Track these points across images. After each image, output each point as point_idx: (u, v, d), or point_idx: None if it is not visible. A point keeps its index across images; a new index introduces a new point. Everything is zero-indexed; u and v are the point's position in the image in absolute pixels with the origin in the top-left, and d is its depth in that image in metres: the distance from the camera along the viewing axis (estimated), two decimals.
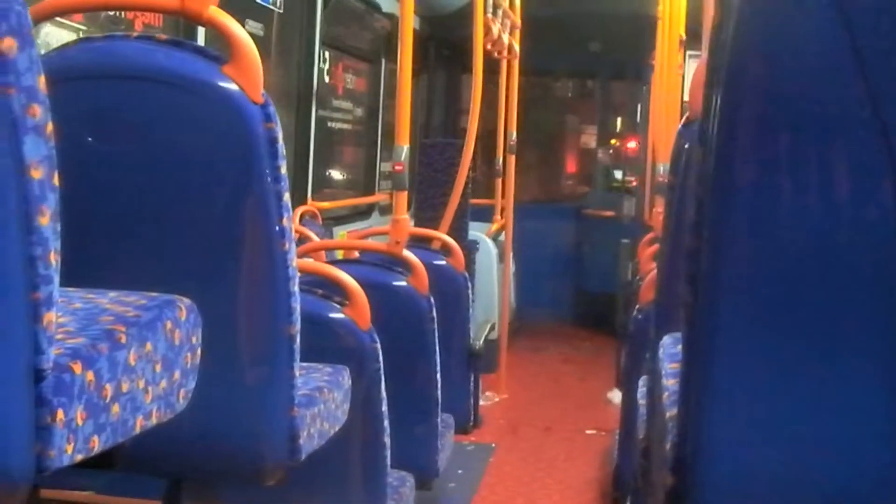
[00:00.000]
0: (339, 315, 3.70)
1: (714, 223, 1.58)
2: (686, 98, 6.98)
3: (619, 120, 13.89)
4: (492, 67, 8.65)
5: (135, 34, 2.77)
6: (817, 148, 1.55)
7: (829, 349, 1.56)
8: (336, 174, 9.39)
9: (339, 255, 5.90)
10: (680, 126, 2.55)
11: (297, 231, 5.46)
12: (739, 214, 1.57)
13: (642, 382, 2.88)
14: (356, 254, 5.50)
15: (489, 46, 7.97)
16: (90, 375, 1.70)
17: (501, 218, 9.55)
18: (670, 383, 1.94)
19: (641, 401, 2.78)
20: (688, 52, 8.05)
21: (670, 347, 2.16)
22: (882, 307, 1.53)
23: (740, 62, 1.55)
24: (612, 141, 13.70)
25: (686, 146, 2.47)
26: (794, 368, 1.57)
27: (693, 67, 7.80)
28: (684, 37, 7.29)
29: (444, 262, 5.83)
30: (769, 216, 1.56)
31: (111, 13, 4.95)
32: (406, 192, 5.07)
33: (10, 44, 1.47)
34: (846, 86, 1.51)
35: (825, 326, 1.56)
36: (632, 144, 12.73)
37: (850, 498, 1.58)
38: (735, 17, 1.55)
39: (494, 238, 9.52)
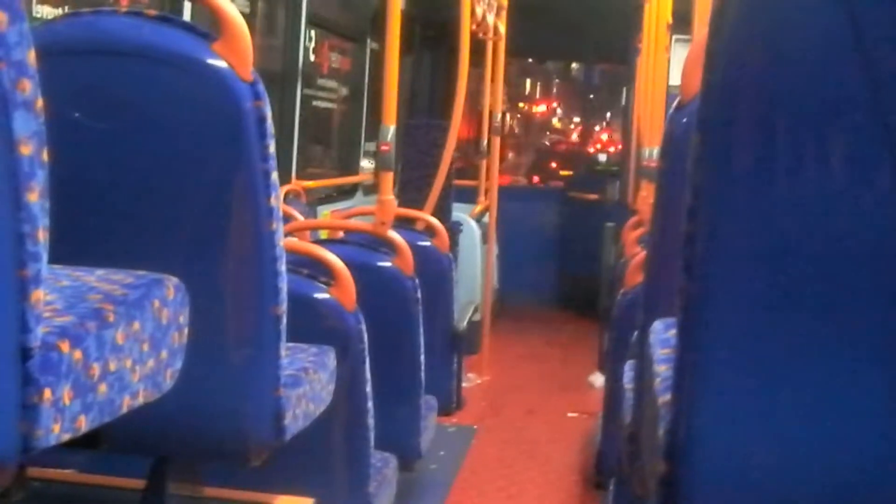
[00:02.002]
0: (325, 295, 3.69)
1: (711, 209, 1.57)
2: (672, 82, 6.98)
3: (527, 82, 13.73)
4: (477, 49, 8.62)
5: (123, 9, 2.74)
6: (816, 133, 1.54)
7: (827, 337, 1.55)
8: (320, 153, 9.36)
9: (323, 234, 5.88)
10: (672, 111, 2.53)
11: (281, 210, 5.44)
12: (737, 200, 1.56)
13: (629, 367, 2.86)
14: (341, 233, 5.49)
15: (474, 27, 7.94)
16: (78, 354, 1.68)
17: (485, 199, 9.54)
18: (662, 369, 1.93)
19: (628, 385, 2.77)
20: (674, 36, 8.04)
21: (661, 333, 2.15)
22: (881, 295, 1.53)
23: (740, 47, 1.54)
24: (521, 105, 13.46)
25: (677, 131, 2.45)
26: (792, 356, 1.56)
27: (680, 51, 7.82)
28: (671, 21, 7.27)
29: (428, 244, 5.81)
30: (767, 202, 1.55)
31: None
32: (392, 173, 5.05)
33: (0, 18, 1.45)
34: (846, 71, 1.50)
35: (823, 314, 1.55)
36: (541, 108, 12.54)
37: (848, 486, 1.58)
38: (735, 2, 1.54)
39: (478, 220, 9.50)
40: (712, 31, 1.57)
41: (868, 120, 1.51)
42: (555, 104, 13.21)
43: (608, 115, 17.67)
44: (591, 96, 16.80)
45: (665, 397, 1.75)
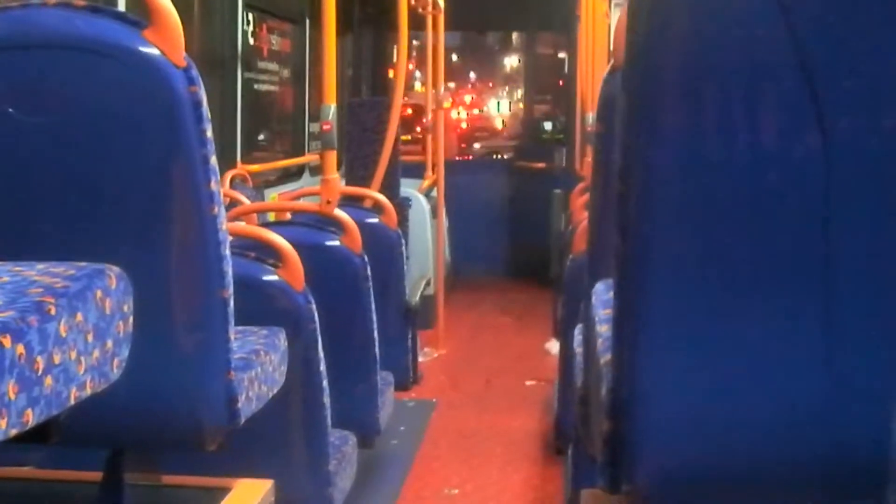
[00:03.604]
0: (273, 277, 3.69)
1: (641, 168, 1.59)
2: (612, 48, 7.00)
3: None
4: (417, 23, 8.61)
5: (52, 1, 2.72)
6: (742, 91, 1.55)
7: (760, 288, 1.57)
8: (265, 137, 9.33)
9: (271, 217, 5.87)
10: (606, 74, 2.55)
11: (227, 195, 5.42)
12: (666, 159, 1.57)
13: (578, 331, 2.89)
14: (288, 215, 5.48)
15: (413, 2, 7.93)
16: (20, 349, 1.68)
17: (433, 174, 9.54)
18: (603, 329, 1.95)
19: (577, 349, 2.80)
20: (613, 2, 8.06)
21: (603, 294, 2.17)
22: (811, 245, 1.55)
23: (663, 6, 1.55)
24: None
25: (612, 94, 2.47)
26: (726, 308, 1.58)
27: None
28: None
29: (376, 220, 5.82)
30: (696, 159, 1.56)
31: None
32: (335, 152, 5.04)
33: None
34: (770, 29, 1.52)
35: (756, 266, 1.57)
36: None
37: (787, 433, 1.60)
38: None
39: (426, 194, 9.50)
40: None
41: (793, 75, 1.53)
42: (411, 66, 12.86)
43: (472, 75, 18.34)
44: (454, 58, 17.30)
45: (607, 357, 1.77)
